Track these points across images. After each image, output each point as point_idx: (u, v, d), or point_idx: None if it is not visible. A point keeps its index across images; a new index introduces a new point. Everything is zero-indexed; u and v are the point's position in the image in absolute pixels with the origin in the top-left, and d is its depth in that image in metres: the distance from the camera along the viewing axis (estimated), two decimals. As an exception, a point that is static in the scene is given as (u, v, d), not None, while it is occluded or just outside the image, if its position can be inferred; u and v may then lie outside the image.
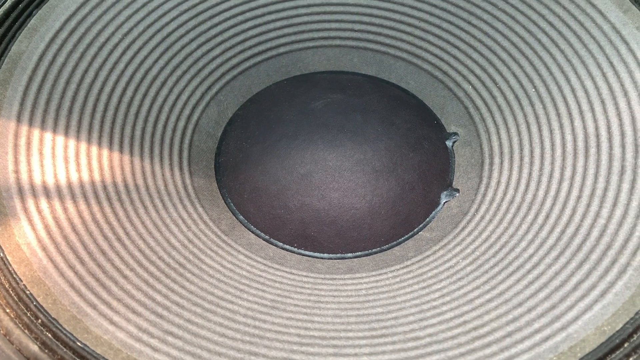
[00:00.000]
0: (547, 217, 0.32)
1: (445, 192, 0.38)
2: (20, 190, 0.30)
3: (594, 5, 0.38)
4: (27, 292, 0.27)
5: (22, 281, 0.27)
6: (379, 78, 0.44)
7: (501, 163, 0.37)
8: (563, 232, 0.31)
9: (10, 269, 0.27)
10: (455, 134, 0.41)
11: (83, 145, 0.34)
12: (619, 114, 0.34)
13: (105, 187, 0.33)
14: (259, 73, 0.44)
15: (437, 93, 0.43)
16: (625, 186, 0.31)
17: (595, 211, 0.31)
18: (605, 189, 0.31)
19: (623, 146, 0.33)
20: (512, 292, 0.29)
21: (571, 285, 0.28)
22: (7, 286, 0.27)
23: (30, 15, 0.37)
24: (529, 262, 0.30)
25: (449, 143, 0.41)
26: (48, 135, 0.33)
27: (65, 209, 0.31)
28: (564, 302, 0.27)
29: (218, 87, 0.43)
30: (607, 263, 0.28)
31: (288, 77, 0.45)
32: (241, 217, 0.37)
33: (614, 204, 0.30)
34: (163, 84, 0.40)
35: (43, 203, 0.31)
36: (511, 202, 0.35)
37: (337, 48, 0.45)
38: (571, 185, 0.33)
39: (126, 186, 0.34)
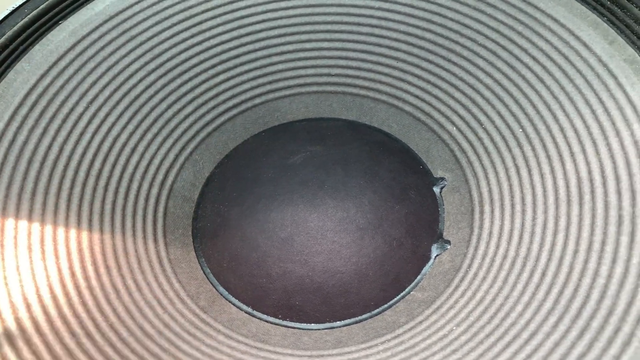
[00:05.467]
0: (544, 275, 0.30)
1: (435, 245, 0.36)
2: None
3: (577, 37, 0.36)
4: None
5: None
6: (360, 122, 0.42)
7: (492, 211, 0.35)
8: (561, 293, 0.29)
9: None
10: (443, 179, 0.39)
11: (48, 229, 0.32)
12: (612, 156, 0.32)
13: (73, 274, 0.31)
14: (235, 127, 0.42)
15: (420, 136, 0.41)
16: (624, 239, 0.29)
17: (593, 269, 0.29)
18: (603, 242, 0.29)
19: (619, 192, 0.30)
20: (510, 368, 0.27)
21: (572, 360, 0.25)
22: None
23: (-14, 95, 0.35)
24: (526, 330, 0.28)
25: (436, 189, 0.39)
26: (9, 223, 0.32)
27: (28, 306, 0.29)
28: (566, 381, 0.25)
29: (192, 146, 0.41)
30: (610, 332, 0.26)
31: (266, 128, 0.43)
32: (221, 288, 0.35)
33: (614, 261, 0.28)
34: (133, 150, 0.38)
35: (3, 301, 0.29)
36: (505, 256, 0.33)
37: (314, 94, 0.43)
38: (567, 237, 0.31)
39: (96, 269, 0.32)
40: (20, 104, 0.35)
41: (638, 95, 0.32)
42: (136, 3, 0.40)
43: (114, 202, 0.36)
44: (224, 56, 0.42)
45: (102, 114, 0.38)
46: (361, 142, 0.41)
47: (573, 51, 0.36)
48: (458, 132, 0.39)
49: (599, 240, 0.29)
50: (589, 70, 0.35)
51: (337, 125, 0.42)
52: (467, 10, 0.39)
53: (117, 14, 0.40)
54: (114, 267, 0.33)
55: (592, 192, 0.31)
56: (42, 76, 0.37)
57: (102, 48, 0.39)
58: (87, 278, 0.32)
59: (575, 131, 0.34)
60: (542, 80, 0.36)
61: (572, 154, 0.33)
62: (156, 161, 0.39)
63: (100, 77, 0.38)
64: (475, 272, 0.33)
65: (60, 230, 0.33)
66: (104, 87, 0.38)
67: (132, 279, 0.33)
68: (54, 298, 0.30)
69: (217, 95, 0.42)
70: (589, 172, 0.32)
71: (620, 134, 0.32)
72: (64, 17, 0.39)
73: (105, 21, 0.39)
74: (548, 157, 0.34)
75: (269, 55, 0.42)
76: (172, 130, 0.40)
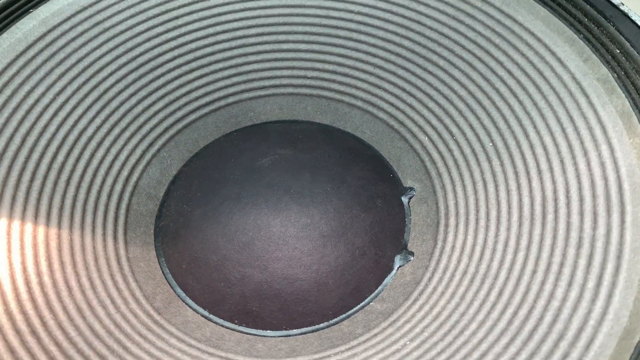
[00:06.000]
0: (500, 294, 0.30)
1: (399, 256, 0.36)
2: None
3: (553, 53, 0.35)
4: None
5: None
6: (334, 127, 0.42)
7: (457, 225, 0.35)
8: (515, 314, 0.28)
9: None
10: (412, 188, 0.39)
11: (2, 223, 0.32)
12: (578, 176, 0.31)
13: (25, 270, 0.31)
14: (206, 125, 0.42)
15: (393, 144, 0.40)
16: (582, 262, 0.28)
17: (549, 290, 0.28)
18: (562, 264, 0.29)
19: (581, 214, 0.30)
20: (457, 388, 0.26)
21: (518, 385, 0.25)
22: None
23: (-53, 82, 0.34)
24: (477, 350, 0.28)
25: (405, 199, 0.38)
26: (-38, 215, 0.31)
27: (-27, 301, 0.28)
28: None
29: (161, 142, 0.40)
30: (558, 357, 0.25)
31: (238, 127, 0.42)
32: (179, 290, 0.35)
33: (569, 284, 0.28)
34: (99, 144, 0.38)
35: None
36: (465, 272, 0.32)
37: (289, 96, 0.43)
38: (527, 257, 0.30)
39: (50, 265, 0.32)
40: (-18, 92, 0.35)
41: (608, 115, 0.32)
42: (111, -6, 0.39)
43: (75, 197, 0.35)
44: (198, 53, 0.41)
45: (69, 107, 0.37)
46: (332, 147, 0.40)
47: (548, 67, 0.35)
48: (430, 142, 0.39)
49: (558, 262, 0.29)
50: (562, 87, 0.34)
51: (310, 128, 0.42)
52: (445, 20, 0.39)
53: (90, 5, 0.39)
54: (69, 264, 0.32)
55: (556, 211, 0.31)
56: (8, 65, 0.36)
57: (73, 39, 0.38)
58: (39, 274, 0.31)
59: (544, 148, 0.33)
60: (515, 95, 0.36)
61: (539, 172, 0.33)
62: (122, 157, 0.38)
63: (70, 68, 0.38)
64: (435, 286, 0.33)
65: (16, 223, 0.32)
66: (73, 79, 0.38)
67: (87, 276, 0.32)
68: (2, 294, 0.29)
69: (189, 92, 0.41)
70: (554, 191, 0.32)
71: (588, 155, 0.31)
72: (35, 6, 0.38)
73: (78, 12, 0.39)
74: (516, 173, 0.34)
75: (245, 54, 0.42)
76: (141, 126, 0.39)
